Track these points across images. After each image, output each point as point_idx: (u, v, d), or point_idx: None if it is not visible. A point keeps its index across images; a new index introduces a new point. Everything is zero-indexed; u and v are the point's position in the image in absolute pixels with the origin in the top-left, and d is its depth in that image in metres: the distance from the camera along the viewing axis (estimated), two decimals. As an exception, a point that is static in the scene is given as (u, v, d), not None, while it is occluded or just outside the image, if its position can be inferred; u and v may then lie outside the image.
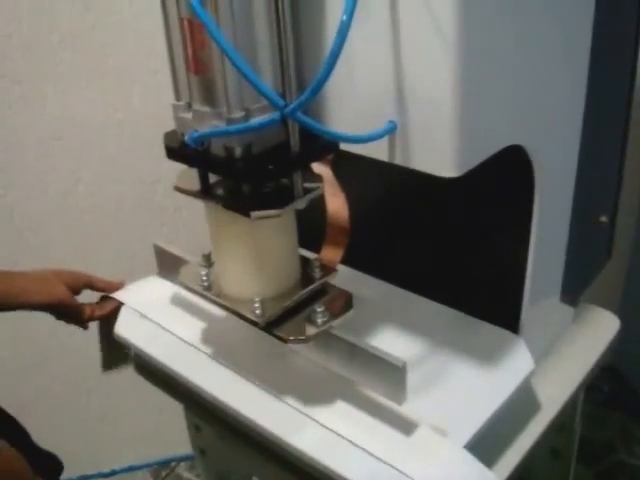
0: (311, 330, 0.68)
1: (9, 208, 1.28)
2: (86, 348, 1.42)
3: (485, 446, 0.69)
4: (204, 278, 0.74)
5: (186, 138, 0.60)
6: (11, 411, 0.89)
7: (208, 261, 0.75)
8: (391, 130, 0.58)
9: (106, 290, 0.92)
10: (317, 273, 0.72)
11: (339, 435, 0.68)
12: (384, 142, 0.59)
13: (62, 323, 0.91)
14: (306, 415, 0.71)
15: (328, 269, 0.73)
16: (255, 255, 0.69)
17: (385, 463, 0.64)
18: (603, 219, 0.88)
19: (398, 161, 0.60)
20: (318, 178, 0.68)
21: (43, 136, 1.24)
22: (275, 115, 0.56)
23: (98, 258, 1.37)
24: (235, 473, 1.08)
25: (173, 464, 1.65)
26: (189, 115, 0.61)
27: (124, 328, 0.88)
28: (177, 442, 1.44)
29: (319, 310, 0.68)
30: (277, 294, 0.70)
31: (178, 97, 0.62)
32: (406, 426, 0.68)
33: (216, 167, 0.63)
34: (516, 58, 0.59)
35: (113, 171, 1.31)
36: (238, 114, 0.58)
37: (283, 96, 0.58)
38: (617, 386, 1.66)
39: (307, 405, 0.72)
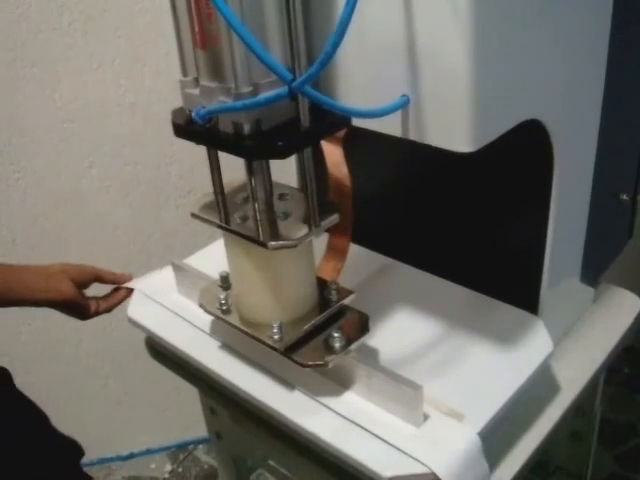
0: (330, 356, 0.68)
1: (23, 192, 1.29)
2: (103, 333, 1.43)
3: (503, 429, 0.68)
4: (223, 302, 0.74)
5: (193, 114, 0.58)
6: (29, 396, 0.88)
7: (226, 282, 0.76)
8: (404, 104, 0.57)
9: (115, 282, 0.91)
10: (334, 296, 0.73)
11: (352, 421, 0.67)
12: (397, 117, 0.58)
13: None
14: (318, 401, 0.70)
15: (344, 292, 0.73)
16: (273, 282, 0.70)
17: (398, 450, 0.64)
18: (624, 197, 0.87)
19: (412, 136, 0.58)
20: (333, 207, 0.68)
21: (55, 120, 1.24)
22: (283, 89, 0.55)
23: (113, 241, 1.37)
24: (251, 457, 1.07)
25: (191, 447, 1.66)
26: (196, 91, 0.60)
27: (137, 312, 0.88)
28: (195, 425, 1.44)
29: (336, 335, 0.68)
30: (295, 318, 0.71)
31: (185, 73, 0.61)
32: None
33: (224, 144, 0.61)
34: (533, 28, 0.57)
35: (126, 153, 1.30)
36: (246, 89, 0.56)
37: (292, 71, 0.57)
38: (638, 367, 1.64)
39: (319, 390, 0.71)
